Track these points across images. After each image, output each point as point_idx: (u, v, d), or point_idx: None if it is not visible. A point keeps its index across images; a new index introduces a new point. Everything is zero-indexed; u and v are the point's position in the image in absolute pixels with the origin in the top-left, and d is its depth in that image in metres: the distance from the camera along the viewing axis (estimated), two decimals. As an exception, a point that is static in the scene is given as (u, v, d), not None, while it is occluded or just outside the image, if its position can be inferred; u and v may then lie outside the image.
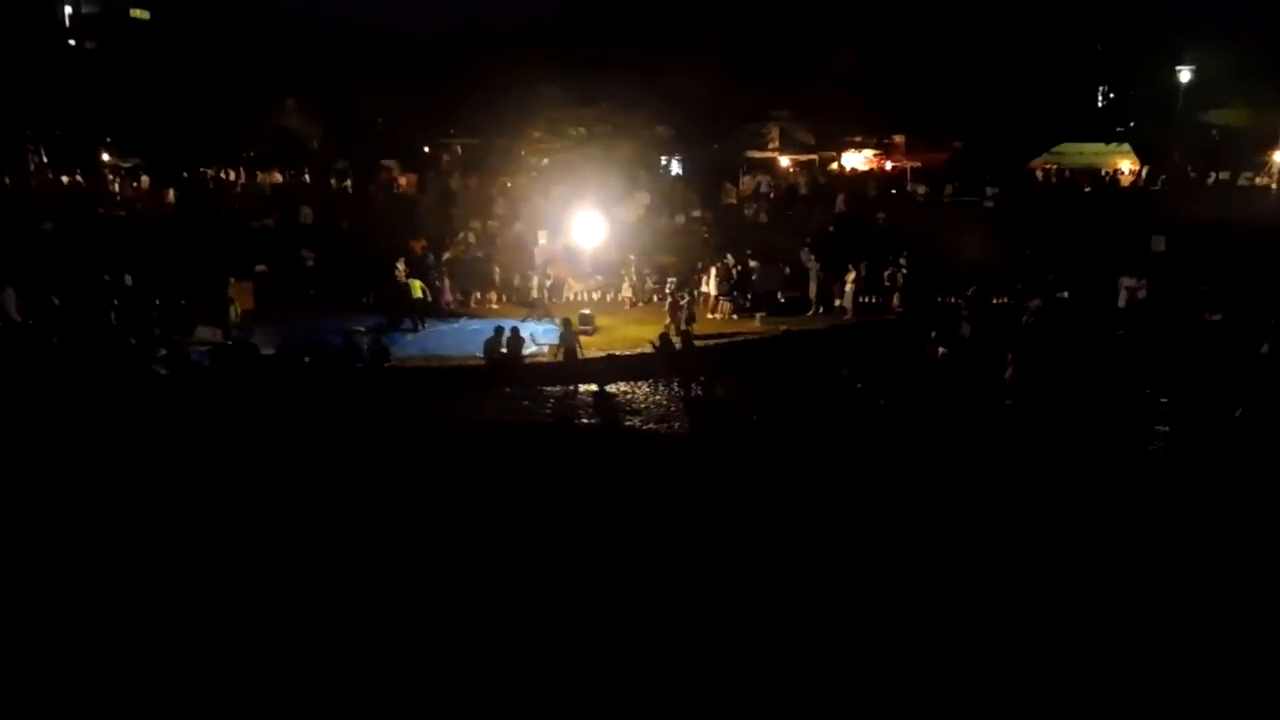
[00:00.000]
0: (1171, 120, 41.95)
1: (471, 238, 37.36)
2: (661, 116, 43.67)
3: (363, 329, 25.64)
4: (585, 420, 20.81)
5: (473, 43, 49.55)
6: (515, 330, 23.61)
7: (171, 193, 40.13)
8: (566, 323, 24.96)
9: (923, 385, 21.60)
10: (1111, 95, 43.11)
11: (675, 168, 49.68)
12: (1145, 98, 42.79)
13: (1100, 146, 44.09)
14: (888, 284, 30.61)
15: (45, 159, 42.47)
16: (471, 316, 30.63)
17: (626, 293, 32.27)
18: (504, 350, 23.03)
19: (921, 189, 40.58)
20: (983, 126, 43.50)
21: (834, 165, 49.53)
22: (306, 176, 43.94)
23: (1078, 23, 44.08)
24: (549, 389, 22.95)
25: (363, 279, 32.34)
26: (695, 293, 28.70)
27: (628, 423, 20.53)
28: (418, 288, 30.01)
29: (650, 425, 20.24)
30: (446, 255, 35.30)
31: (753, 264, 30.76)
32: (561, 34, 49.15)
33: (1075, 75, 43.44)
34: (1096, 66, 43.51)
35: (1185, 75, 43.73)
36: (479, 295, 32.95)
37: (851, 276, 30.08)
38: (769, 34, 48.26)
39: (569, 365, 23.53)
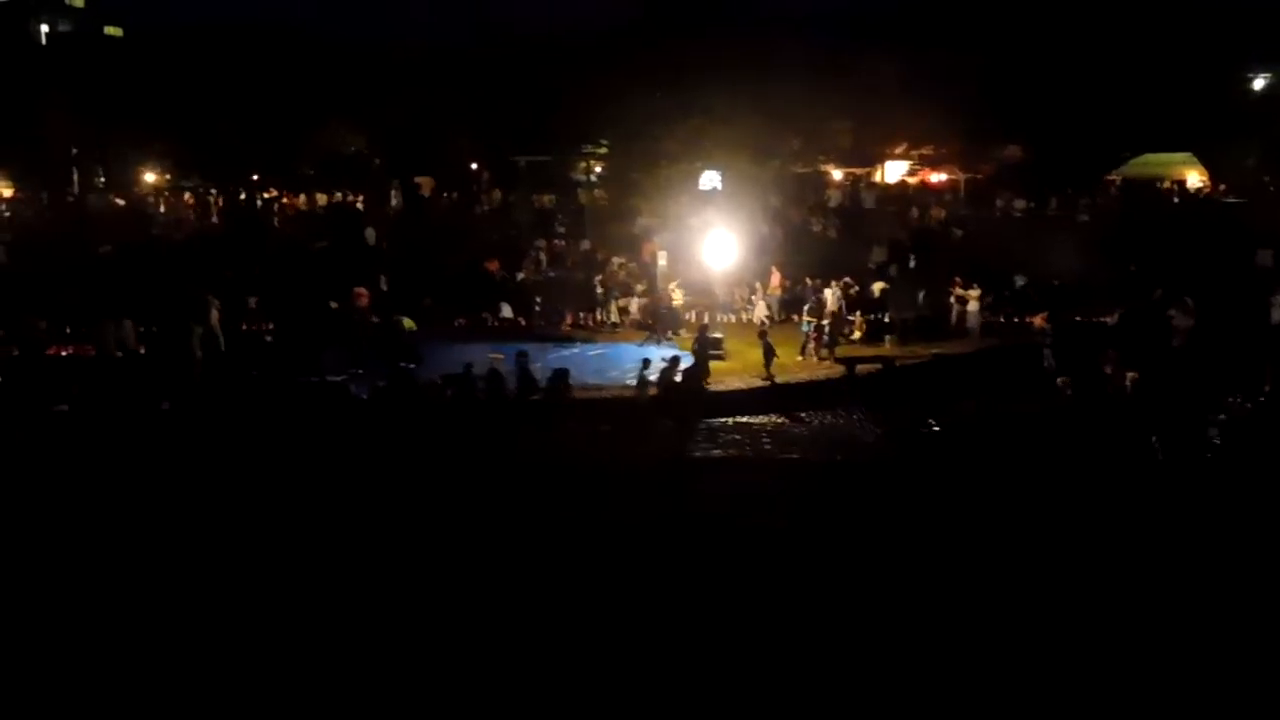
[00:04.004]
0: (1243, 129, 41.43)
1: (542, 256, 36.29)
2: (735, 132, 42.50)
3: (502, 355, 24.30)
4: (790, 455, 19.66)
5: (526, 55, 48.09)
6: (700, 359, 22.49)
7: (220, 211, 38.80)
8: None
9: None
10: (1178, 104, 42.25)
11: (709, 182, 48.62)
12: (1214, 106, 42.15)
13: (1166, 156, 43.72)
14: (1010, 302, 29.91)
15: (103, 179, 40.78)
16: (584, 341, 29.43)
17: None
18: (678, 380, 21.80)
19: (1020, 203, 39.97)
20: (1050, 137, 42.83)
21: (876, 178, 49.03)
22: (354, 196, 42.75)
23: (1146, 30, 43.54)
24: (725, 420, 21.77)
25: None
26: (831, 317, 27.44)
27: (836, 456, 19.45)
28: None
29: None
30: (521, 276, 34.15)
31: (878, 285, 29.79)
32: (609, 45, 47.75)
33: (1143, 83, 42.80)
34: (1164, 74, 42.86)
35: (1259, 84, 43.65)
36: (575, 317, 31.77)
37: (975, 295, 29.33)
38: (819, 41, 47.25)
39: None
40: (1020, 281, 30.25)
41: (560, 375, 21.46)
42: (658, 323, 29.18)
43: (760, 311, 30.72)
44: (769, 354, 24.12)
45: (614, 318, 31.60)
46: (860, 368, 23.43)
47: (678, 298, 30.11)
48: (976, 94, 42.52)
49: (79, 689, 10.60)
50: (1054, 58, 44.04)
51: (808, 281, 30.83)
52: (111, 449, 18.05)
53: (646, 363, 21.70)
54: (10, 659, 11.20)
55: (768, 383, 23.71)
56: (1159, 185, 42.59)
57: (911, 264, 33.77)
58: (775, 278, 31.98)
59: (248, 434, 18.95)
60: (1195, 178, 42.76)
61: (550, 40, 48.03)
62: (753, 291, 31.79)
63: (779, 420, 21.63)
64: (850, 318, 28.37)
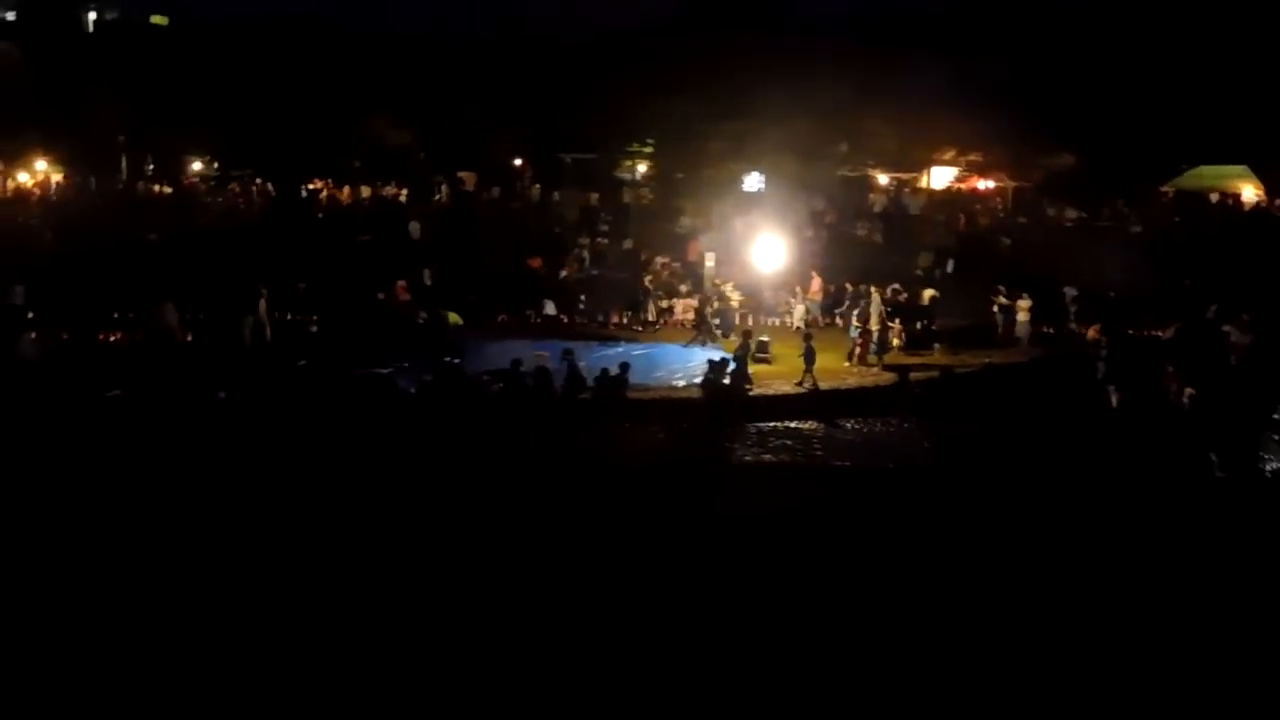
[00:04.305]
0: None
1: (585, 255, 36.06)
2: (782, 134, 42.00)
3: (547, 353, 24.14)
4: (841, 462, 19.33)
5: (571, 52, 47.84)
6: (741, 362, 22.20)
7: (265, 201, 38.92)
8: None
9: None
10: (1235, 115, 41.17)
11: (753, 184, 48.20)
12: (1272, 118, 41.06)
13: (1222, 169, 42.83)
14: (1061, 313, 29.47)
15: (152, 167, 41.00)
16: (628, 341, 29.21)
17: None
18: (725, 383, 21.55)
19: (1073, 213, 39.44)
20: (1102, 146, 42.03)
21: (922, 184, 48.48)
22: (396, 190, 42.69)
23: (1201, 39, 42.70)
24: (775, 425, 21.49)
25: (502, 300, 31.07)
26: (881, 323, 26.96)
27: (883, 463, 19.13)
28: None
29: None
30: (563, 273, 33.99)
31: (928, 291, 29.45)
32: (655, 43, 47.42)
33: (1199, 94, 41.95)
34: (1220, 85, 41.97)
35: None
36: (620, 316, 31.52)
37: (1026, 305, 28.92)
38: (868, 44, 46.56)
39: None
40: (1072, 293, 29.73)
41: (622, 369, 21.25)
42: (704, 324, 28.87)
43: (799, 315, 30.49)
44: (810, 358, 23.79)
45: (651, 317, 31.40)
46: (914, 375, 23.06)
47: (734, 299, 29.90)
48: (1027, 101, 41.89)
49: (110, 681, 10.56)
50: (1108, 66, 43.34)
51: (847, 286, 30.64)
52: (167, 437, 18.00)
53: (713, 364, 21.50)
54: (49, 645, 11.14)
55: (806, 388, 23.36)
56: (1212, 198, 41.75)
57: (957, 271, 33.40)
58: (815, 282, 31.62)
59: (297, 425, 18.87)
60: (1251, 191, 41.88)
61: (596, 37, 47.86)
62: (792, 295, 31.47)
63: (830, 426, 21.33)
64: (890, 325, 27.88)
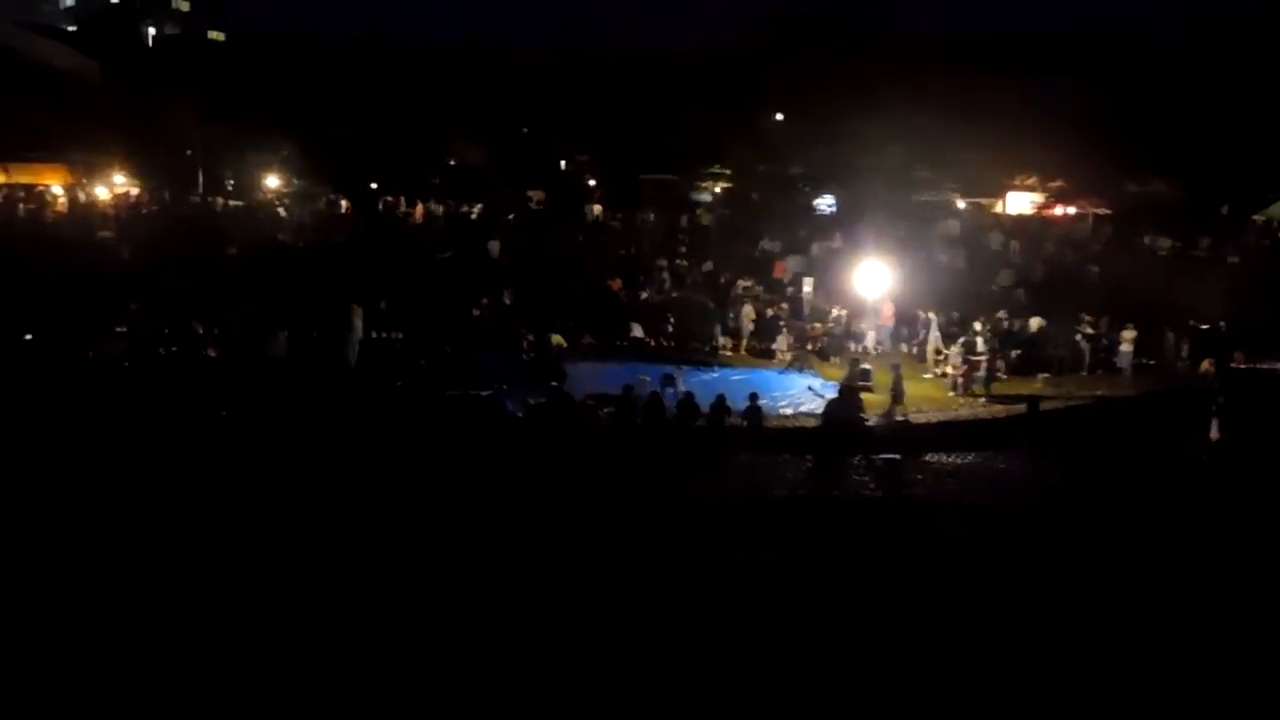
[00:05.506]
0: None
1: (665, 276, 35.49)
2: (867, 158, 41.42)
3: (648, 377, 23.59)
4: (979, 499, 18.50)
5: (651, 70, 47.56)
6: (856, 392, 21.51)
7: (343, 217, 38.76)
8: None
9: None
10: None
11: (823, 206, 47.59)
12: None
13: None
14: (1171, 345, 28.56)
15: (231, 183, 40.96)
16: (724, 365, 28.50)
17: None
18: (847, 413, 20.84)
19: (1166, 242, 38.52)
20: (1193, 174, 41.18)
21: (998, 209, 47.70)
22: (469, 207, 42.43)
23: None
24: (893, 457, 20.69)
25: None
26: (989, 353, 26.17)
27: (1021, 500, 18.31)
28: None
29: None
30: (644, 295, 33.44)
31: (1035, 320, 28.63)
32: (733, 61, 47.08)
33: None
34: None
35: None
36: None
37: (1130, 335, 28.03)
38: (954, 64, 45.81)
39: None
40: (1202, 327, 28.76)
41: (752, 400, 20.64)
42: (801, 349, 28.22)
43: (870, 341, 29.78)
44: (898, 390, 23.03)
45: (730, 340, 30.66)
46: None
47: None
48: (1117, 127, 41.14)
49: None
50: (1200, 93, 42.49)
51: (919, 314, 29.89)
52: (294, 458, 17.54)
53: (842, 391, 20.86)
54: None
55: (899, 420, 22.60)
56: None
57: (1039, 298, 32.57)
58: (887, 308, 30.87)
59: (413, 446, 18.37)
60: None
61: (674, 57, 47.57)
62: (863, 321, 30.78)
63: (957, 460, 20.53)
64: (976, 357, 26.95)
